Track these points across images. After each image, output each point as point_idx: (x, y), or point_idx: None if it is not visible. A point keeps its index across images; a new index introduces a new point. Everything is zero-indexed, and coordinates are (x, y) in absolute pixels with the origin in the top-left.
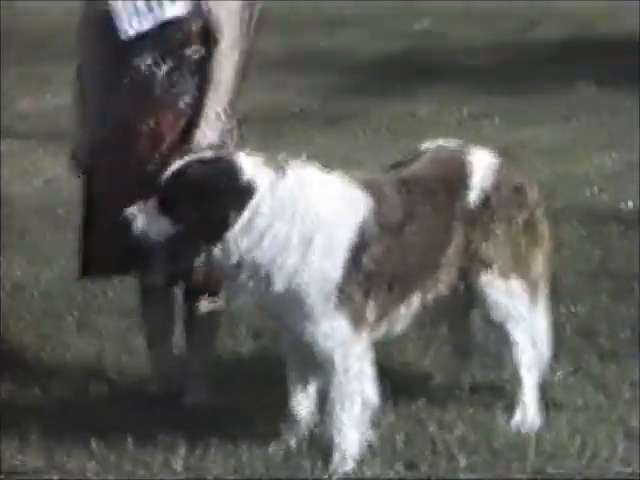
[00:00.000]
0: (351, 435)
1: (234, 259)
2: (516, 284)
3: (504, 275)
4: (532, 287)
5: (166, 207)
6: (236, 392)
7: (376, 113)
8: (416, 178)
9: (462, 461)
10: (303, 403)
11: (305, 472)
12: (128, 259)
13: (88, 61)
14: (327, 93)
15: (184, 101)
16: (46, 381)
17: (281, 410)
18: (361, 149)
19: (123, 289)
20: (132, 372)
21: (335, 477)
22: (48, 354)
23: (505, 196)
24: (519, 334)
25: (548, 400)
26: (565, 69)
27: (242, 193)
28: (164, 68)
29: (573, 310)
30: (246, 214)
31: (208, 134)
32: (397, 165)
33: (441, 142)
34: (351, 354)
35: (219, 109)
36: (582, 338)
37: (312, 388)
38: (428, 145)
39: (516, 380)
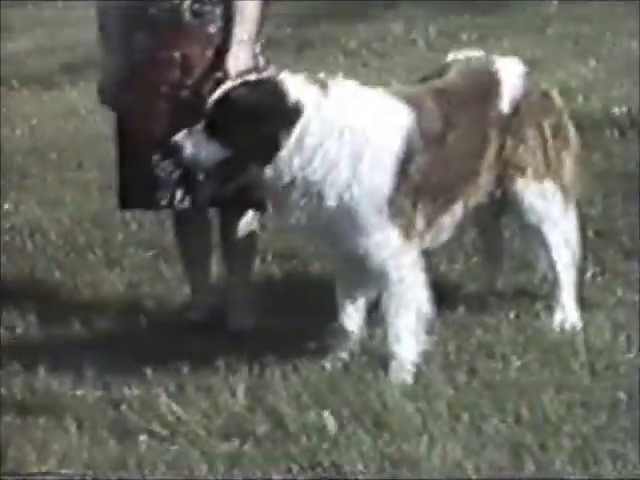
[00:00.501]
0: (408, 343)
1: (286, 179)
2: (549, 186)
3: (538, 178)
4: (564, 189)
5: (214, 132)
6: (277, 314)
7: (346, 37)
8: (451, 89)
9: (515, 363)
10: (353, 317)
11: (366, 382)
12: (174, 187)
13: None
14: (296, 20)
15: (211, 29)
16: (85, 316)
17: (325, 328)
18: (335, 73)
19: (143, 222)
20: (168, 301)
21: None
22: (81, 291)
23: (534, 102)
24: (554, 235)
25: (583, 300)
26: None
27: (290, 113)
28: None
29: (587, 213)
30: (295, 133)
31: (241, 57)
32: (427, 78)
33: (466, 53)
34: (404, 264)
35: (246, 35)
36: (601, 239)
37: (361, 302)
38: (454, 57)
39: (552, 282)
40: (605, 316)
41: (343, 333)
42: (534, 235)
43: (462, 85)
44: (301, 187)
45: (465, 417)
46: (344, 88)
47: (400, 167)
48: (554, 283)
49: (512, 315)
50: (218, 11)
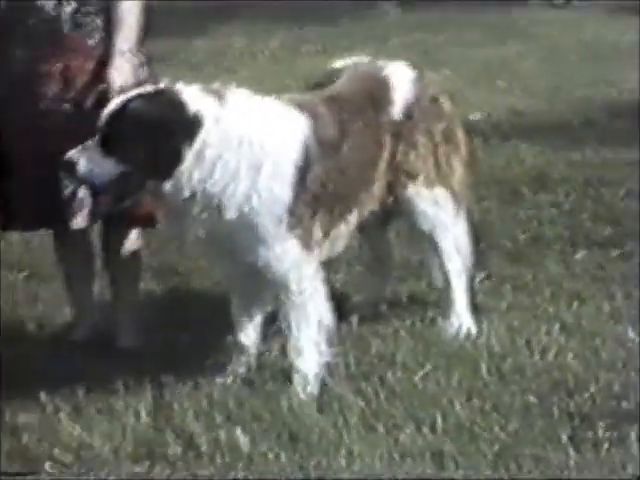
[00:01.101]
0: (311, 356)
1: (186, 192)
2: (441, 193)
3: (429, 185)
4: (454, 195)
5: (110, 147)
6: (164, 332)
7: (186, 52)
8: (343, 95)
9: (419, 371)
10: (249, 332)
11: (273, 397)
12: (60, 207)
13: None
14: None
15: (92, 40)
16: None
17: (215, 344)
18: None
19: (10, 242)
20: (49, 323)
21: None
22: None
23: (424, 107)
24: (446, 241)
25: (475, 305)
26: None
27: (190, 125)
28: (69, 8)
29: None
30: (196, 146)
31: (123, 68)
32: (318, 85)
33: (354, 59)
34: (304, 275)
35: (127, 45)
36: (484, 244)
37: (257, 317)
38: (341, 63)
39: (444, 288)
40: (498, 320)
41: (240, 348)
42: (425, 242)
43: (354, 91)
44: (201, 200)
45: (380, 428)
46: (240, 98)
47: (298, 177)
48: (446, 289)
49: (407, 323)
50: (98, 22)
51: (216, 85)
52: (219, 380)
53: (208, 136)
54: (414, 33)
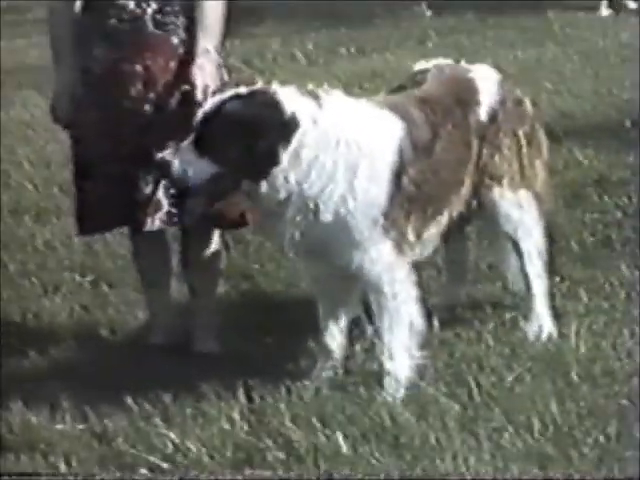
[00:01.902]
0: (403, 359)
1: (282, 194)
2: (524, 195)
3: (513, 187)
4: (537, 198)
5: (205, 147)
6: (241, 336)
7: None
8: (432, 97)
9: (508, 375)
10: (336, 337)
11: (367, 400)
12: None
13: (62, 3)
14: None
15: (174, 40)
16: (40, 346)
17: (297, 348)
18: None
19: (72, 247)
20: (122, 327)
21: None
22: (29, 318)
23: (509, 110)
24: (528, 244)
25: (554, 309)
26: None
27: (287, 126)
28: (151, 7)
29: None
30: (292, 147)
31: (206, 68)
32: (402, 87)
33: (434, 61)
34: (397, 278)
35: (210, 45)
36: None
37: (343, 321)
38: (424, 65)
39: (525, 291)
40: (578, 324)
41: (327, 352)
42: (505, 244)
43: (442, 93)
44: (297, 202)
45: (480, 431)
46: (336, 100)
47: (394, 179)
48: (527, 292)
49: (489, 326)
50: (181, 21)
51: (310, 87)
52: (308, 384)
53: (305, 137)
54: (450, 35)
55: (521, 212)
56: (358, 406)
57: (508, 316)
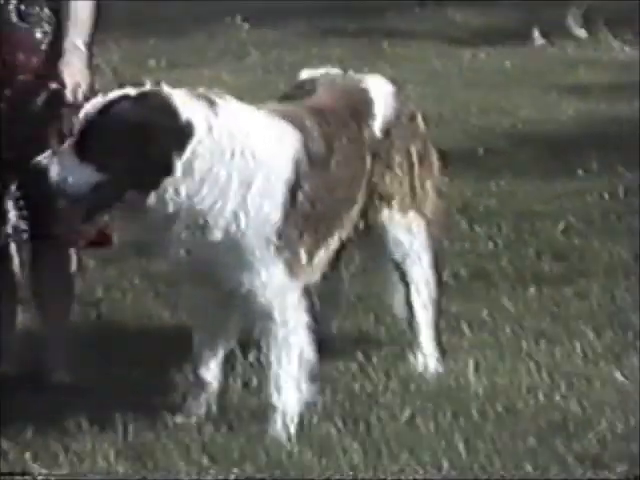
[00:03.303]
0: (291, 393)
1: (171, 208)
2: (414, 219)
3: (403, 210)
4: (427, 223)
5: (88, 152)
6: (101, 367)
7: None
8: (326, 107)
9: (402, 414)
10: (212, 369)
11: (243, 438)
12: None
13: None
14: None
15: (39, 34)
16: None
17: (165, 381)
18: None
19: None
20: None
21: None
22: None
23: (403, 125)
24: (416, 272)
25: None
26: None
27: (182, 133)
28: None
29: None
30: (186, 156)
31: (75, 65)
32: (290, 96)
33: (322, 71)
34: (288, 304)
35: (80, 41)
36: None
37: (220, 353)
38: (310, 74)
39: (408, 322)
40: (465, 358)
41: (201, 384)
42: (392, 271)
43: (336, 104)
44: (185, 218)
45: (387, 470)
46: (231, 106)
47: (288, 195)
48: (411, 324)
49: (375, 360)
50: (45, 14)
51: (202, 90)
52: (181, 419)
53: (199, 146)
54: (271, 49)
55: (410, 237)
56: (248, 443)
57: (391, 349)
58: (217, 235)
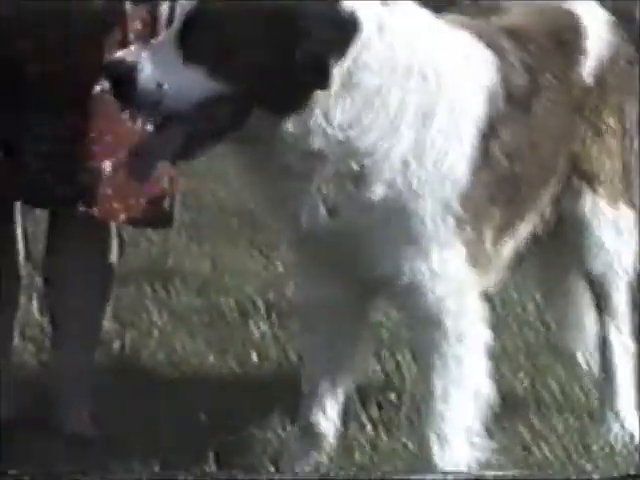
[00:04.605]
0: (460, 445)
1: (316, 142)
2: (626, 214)
3: (612, 199)
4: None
5: (198, 48)
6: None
7: None
8: (524, 31)
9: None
10: (330, 415)
11: None
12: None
13: None
14: None
15: None
16: None
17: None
18: None
19: None
20: None
21: None
22: None
23: (620, 72)
24: (620, 295)
25: None
26: None
27: (343, 28)
28: None
29: None
30: (347, 64)
31: None
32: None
33: None
34: (467, 308)
35: None
36: None
37: (341, 394)
38: None
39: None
40: None
41: (314, 436)
42: (580, 292)
43: (537, 28)
44: (335, 159)
45: None
46: (410, 6)
47: (481, 141)
48: (606, 374)
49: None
50: None
51: None
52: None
53: (365, 52)
54: None
55: (619, 241)
56: None
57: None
58: (377, 191)
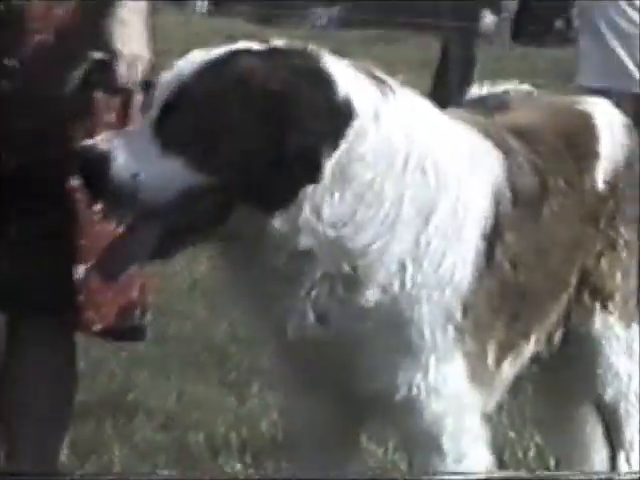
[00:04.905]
0: None
1: (304, 241)
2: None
3: (624, 319)
4: None
5: (177, 135)
6: None
7: None
8: (531, 130)
9: None
10: None
11: None
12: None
13: None
14: None
15: None
16: None
17: None
18: None
19: None
20: None
21: None
22: None
23: (635, 178)
24: (633, 426)
25: None
26: None
27: (338, 114)
28: None
29: None
30: (339, 153)
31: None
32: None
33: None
34: (466, 428)
35: None
36: None
37: None
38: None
39: None
40: None
41: None
42: (589, 421)
43: (546, 128)
44: (325, 260)
45: None
46: (407, 94)
47: (484, 245)
48: None
49: None
50: None
51: (365, 64)
52: None
53: (360, 140)
54: None
55: (631, 364)
56: None
57: None
58: (370, 296)
